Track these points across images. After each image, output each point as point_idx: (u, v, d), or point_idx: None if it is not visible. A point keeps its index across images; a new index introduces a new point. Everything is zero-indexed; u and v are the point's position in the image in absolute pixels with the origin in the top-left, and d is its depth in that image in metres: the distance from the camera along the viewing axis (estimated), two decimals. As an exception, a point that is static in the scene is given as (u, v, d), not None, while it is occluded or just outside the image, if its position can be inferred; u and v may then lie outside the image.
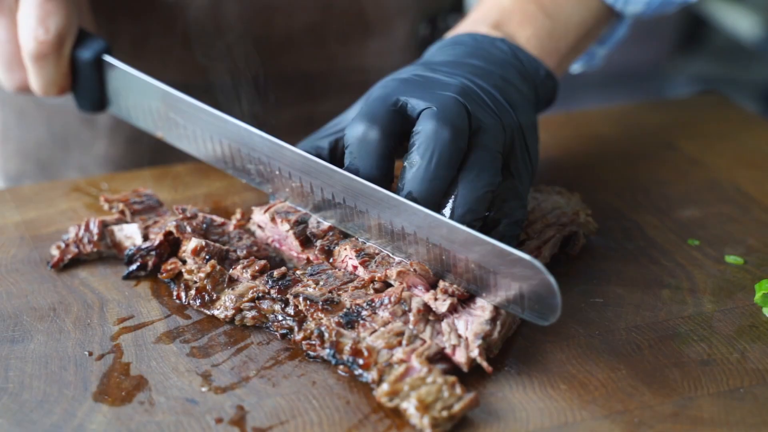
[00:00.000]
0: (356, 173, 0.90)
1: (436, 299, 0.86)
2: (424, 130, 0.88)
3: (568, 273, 0.99)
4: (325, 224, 0.95)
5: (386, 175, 0.91)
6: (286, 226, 0.95)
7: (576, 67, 1.26)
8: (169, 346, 0.87)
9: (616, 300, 0.94)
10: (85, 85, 1.09)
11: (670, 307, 0.93)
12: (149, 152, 1.31)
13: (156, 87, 1.04)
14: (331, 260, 0.93)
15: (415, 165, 0.88)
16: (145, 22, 1.27)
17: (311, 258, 0.95)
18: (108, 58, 1.08)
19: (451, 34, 1.07)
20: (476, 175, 0.88)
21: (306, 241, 0.95)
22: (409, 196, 0.88)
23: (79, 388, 0.82)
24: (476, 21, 1.07)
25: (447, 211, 0.88)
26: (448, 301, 0.85)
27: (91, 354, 0.86)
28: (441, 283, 0.87)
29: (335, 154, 0.98)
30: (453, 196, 0.88)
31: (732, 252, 1.02)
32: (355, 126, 0.90)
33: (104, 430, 0.77)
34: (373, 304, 0.86)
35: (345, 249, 0.92)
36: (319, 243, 0.93)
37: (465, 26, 1.07)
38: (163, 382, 0.83)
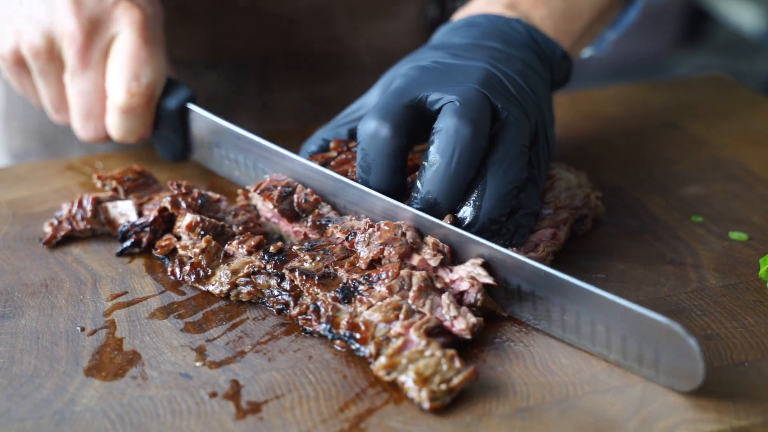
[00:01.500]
0: (368, 170, 0.89)
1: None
2: (445, 128, 0.85)
3: (572, 250, 0.97)
4: (311, 197, 0.93)
5: (397, 173, 0.89)
6: (270, 204, 0.93)
7: (585, 51, 1.25)
8: (163, 321, 0.86)
9: (618, 276, 0.92)
10: (168, 134, 1.06)
11: (673, 282, 0.91)
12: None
13: (242, 136, 1.00)
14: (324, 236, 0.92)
15: (435, 164, 0.86)
16: None
17: (307, 234, 0.93)
18: (192, 106, 1.05)
19: (462, 14, 1.04)
20: (505, 170, 0.86)
21: (295, 216, 0.93)
22: (428, 196, 0.86)
23: (71, 363, 0.80)
24: (489, 1, 1.04)
25: (469, 207, 0.86)
26: (440, 257, 0.83)
27: (83, 329, 0.85)
28: (429, 239, 0.85)
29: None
30: (476, 191, 0.86)
31: (736, 228, 1.01)
32: (367, 122, 0.88)
33: (95, 405, 0.76)
34: (371, 279, 0.85)
35: (336, 229, 0.90)
36: (310, 218, 0.92)
37: (477, 6, 1.04)
38: (156, 357, 0.81)
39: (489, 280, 0.83)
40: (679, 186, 1.10)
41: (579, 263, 0.94)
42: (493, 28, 0.99)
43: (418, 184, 0.87)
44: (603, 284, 0.91)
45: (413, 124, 0.88)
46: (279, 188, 0.93)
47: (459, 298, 0.85)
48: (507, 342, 0.83)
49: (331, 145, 0.99)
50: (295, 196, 0.93)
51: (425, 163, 0.87)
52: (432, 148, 0.86)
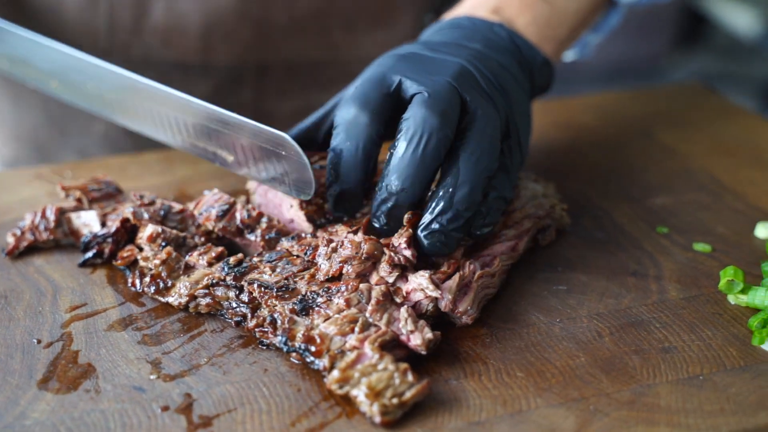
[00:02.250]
0: (340, 155, 0.89)
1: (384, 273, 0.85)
2: (413, 116, 0.87)
3: (534, 260, 0.97)
4: (254, 212, 0.94)
5: (371, 159, 0.90)
6: (211, 225, 0.94)
7: (568, 55, 1.25)
8: (120, 333, 0.86)
9: (580, 287, 0.92)
10: None
11: (634, 294, 0.91)
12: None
13: (25, 38, 1.03)
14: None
15: (402, 151, 0.86)
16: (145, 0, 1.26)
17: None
18: None
19: (449, 16, 1.05)
20: (476, 159, 0.87)
21: (240, 232, 0.94)
22: (394, 182, 0.87)
23: (24, 376, 0.80)
24: (475, 5, 1.05)
25: (445, 193, 0.86)
26: (396, 273, 0.83)
27: (39, 342, 0.84)
28: (385, 256, 0.85)
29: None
30: (448, 179, 0.86)
31: (701, 240, 1.00)
32: (346, 107, 0.89)
33: (46, 418, 0.75)
34: (330, 291, 0.85)
35: (293, 248, 0.90)
36: (258, 233, 0.92)
37: (463, 9, 1.06)
38: (111, 369, 0.81)
39: (436, 294, 0.83)
40: (647, 196, 1.10)
41: (540, 274, 0.94)
42: (476, 31, 0.99)
43: (385, 171, 0.88)
44: (564, 295, 0.91)
45: (390, 111, 0.90)
46: (216, 207, 0.94)
47: (417, 308, 0.85)
48: (464, 354, 0.83)
49: None
50: (237, 214, 0.93)
51: (392, 151, 0.87)
52: (400, 136, 0.87)
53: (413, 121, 0.87)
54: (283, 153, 0.89)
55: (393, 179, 0.87)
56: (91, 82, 1.01)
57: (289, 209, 0.95)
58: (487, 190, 0.89)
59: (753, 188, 1.11)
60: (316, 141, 0.96)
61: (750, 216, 1.05)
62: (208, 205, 0.96)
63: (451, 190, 0.87)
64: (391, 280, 0.84)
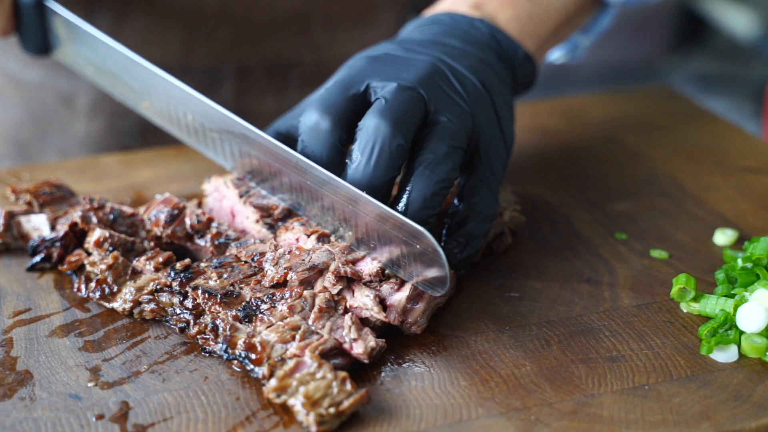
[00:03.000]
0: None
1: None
2: (366, 125, 0.86)
3: (488, 267, 0.96)
4: (204, 217, 0.93)
5: (334, 165, 0.89)
6: (159, 230, 0.94)
7: (558, 57, 1.24)
8: (62, 339, 0.84)
9: (532, 295, 0.91)
10: (28, 29, 1.10)
11: (586, 302, 0.90)
12: (129, 133, 1.30)
13: (94, 37, 1.04)
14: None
15: (356, 161, 0.86)
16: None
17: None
18: (50, 3, 1.09)
19: (429, 13, 1.04)
20: (431, 169, 0.85)
21: (190, 238, 0.94)
22: None
23: (-40, 383, 0.79)
24: (456, 0, 1.04)
25: (401, 205, 0.86)
26: (339, 286, 0.82)
27: (-21, 347, 0.83)
28: (332, 266, 0.84)
29: None
30: (406, 193, 0.86)
31: (659, 246, 0.99)
32: (308, 113, 0.88)
33: (-22, 427, 0.74)
34: (274, 298, 0.84)
35: (241, 253, 0.89)
36: (208, 239, 0.91)
37: (445, 5, 1.04)
38: (48, 377, 0.80)
39: (381, 317, 0.81)
40: (608, 201, 1.09)
41: (494, 281, 0.93)
42: (455, 27, 0.98)
43: (343, 175, 0.87)
44: (516, 303, 0.90)
45: (354, 116, 0.88)
46: (165, 212, 0.93)
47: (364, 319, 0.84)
48: (408, 363, 0.82)
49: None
50: (187, 219, 0.92)
51: (348, 161, 0.87)
52: (354, 146, 0.87)
53: (366, 131, 0.86)
54: (418, 247, 0.82)
55: None
56: (192, 114, 0.99)
57: (244, 220, 0.94)
58: (467, 214, 0.89)
59: (714, 194, 1.10)
60: (290, 144, 0.94)
61: (710, 222, 1.04)
62: (157, 210, 0.94)
63: (404, 206, 0.86)
64: (334, 291, 0.83)
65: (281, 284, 0.85)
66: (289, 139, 0.92)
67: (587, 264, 0.96)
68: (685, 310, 0.89)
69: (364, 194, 0.84)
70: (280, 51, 1.30)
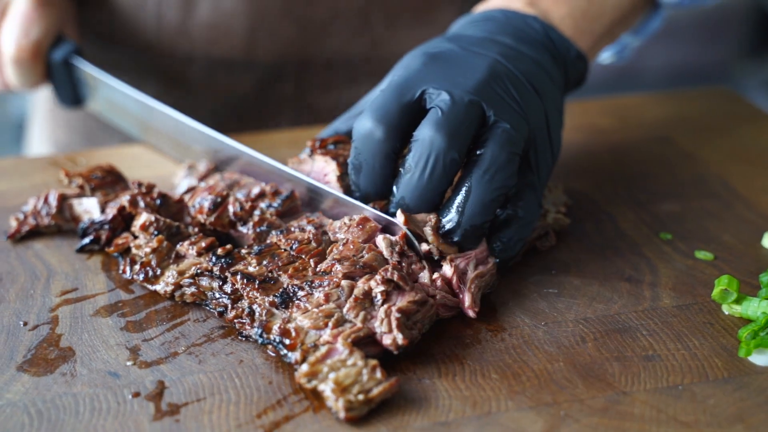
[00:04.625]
0: (359, 169, 0.90)
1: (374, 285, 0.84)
2: (422, 138, 0.86)
3: (528, 263, 0.95)
4: (247, 204, 0.94)
5: (388, 175, 0.90)
6: (202, 217, 0.96)
7: (606, 57, 1.23)
8: (105, 319, 0.87)
9: (570, 291, 0.91)
10: (60, 82, 1.20)
11: (626, 300, 0.89)
12: None
13: (115, 89, 1.13)
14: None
15: (409, 172, 0.87)
16: None
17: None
18: (76, 60, 1.18)
19: (482, 7, 1.04)
20: (491, 177, 0.86)
21: (233, 225, 0.95)
22: (402, 201, 0.87)
23: (5, 357, 0.81)
24: None
25: (454, 210, 0.86)
26: (383, 287, 0.83)
27: (25, 324, 0.86)
28: (381, 271, 0.84)
29: None
30: (460, 197, 0.86)
31: (704, 247, 0.98)
32: (362, 121, 0.89)
33: (19, 399, 0.77)
34: (312, 285, 0.84)
35: (281, 241, 0.91)
36: (250, 226, 0.93)
37: (497, 0, 1.04)
38: (90, 354, 0.82)
39: (390, 347, 0.81)
40: (654, 202, 1.08)
41: (533, 277, 0.93)
42: (508, 24, 0.98)
43: (394, 188, 0.88)
44: (554, 299, 0.90)
45: (408, 123, 0.89)
46: (209, 200, 0.94)
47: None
48: (442, 354, 0.82)
49: (308, 143, 0.99)
50: (230, 207, 0.94)
51: (401, 170, 0.88)
52: (408, 156, 0.87)
53: (421, 143, 0.86)
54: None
55: (399, 197, 0.88)
56: (196, 145, 1.07)
57: (323, 178, 0.96)
58: (512, 217, 0.89)
59: (766, 197, 1.08)
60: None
61: (759, 225, 1.02)
62: (201, 197, 0.96)
63: (461, 210, 0.86)
64: (377, 290, 0.83)
65: (327, 272, 0.86)
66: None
67: (629, 263, 0.95)
68: (726, 312, 0.88)
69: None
70: (340, 47, 1.32)
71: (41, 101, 1.48)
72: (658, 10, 1.17)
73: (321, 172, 0.96)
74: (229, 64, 1.32)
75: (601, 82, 2.83)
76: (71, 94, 1.21)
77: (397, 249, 0.87)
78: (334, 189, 0.94)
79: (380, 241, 0.88)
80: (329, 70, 1.33)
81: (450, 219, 0.87)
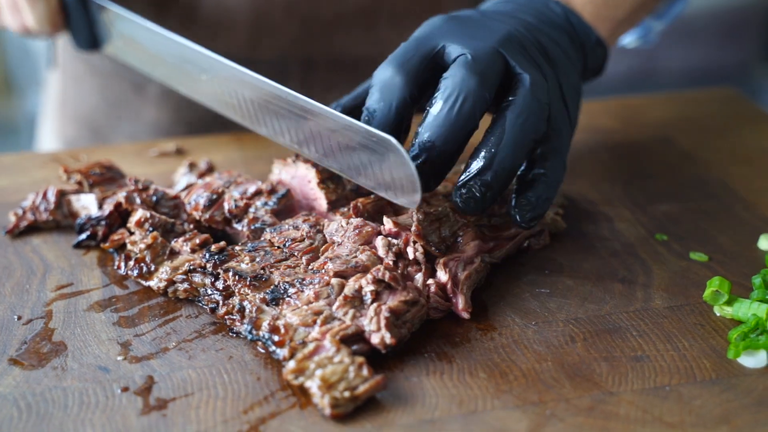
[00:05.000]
0: (373, 114, 0.89)
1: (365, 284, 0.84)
2: (452, 76, 0.87)
3: (522, 262, 0.96)
4: (242, 202, 0.95)
5: (402, 122, 0.90)
6: (198, 214, 0.96)
7: (630, 41, 1.23)
8: (98, 314, 0.87)
9: (563, 291, 0.91)
10: (76, 23, 1.16)
11: (617, 300, 0.89)
12: (197, 120, 1.33)
13: (136, 23, 1.09)
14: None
15: (436, 110, 0.86)
16: None
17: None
18: None
19: None
20: (525, 118, 0.86)
21: (228, 222, 0.96)
22: (427, 140, 0.86)
23: (-2, 351, 0.82)
24: None
25: (486, 152, 0.86)
26: (373, 286, 0.83)
27: (20, 318, 0.87)
28: (372, 271, 0.85)
29: None
30: (492, 138, 0.86)
31: (700, 249, 0.98)
32: (383, 68, 0.90)
33: (9, 392, 0.77)
34: (303, 283, 0.85)
35: (274, 239, 0.91)
36: (245, 223, 0.94)
37: None
38: (81, 349, 0.83)
39: (378, 346, 0.81)
40: (652, 202, 1.07)
41: (526, 276, 0.93)
42: (529, 5, 0.99)
43: (420, 128, 0.87)
44: (545, 299, 0.90)
45: (428, 74, 0.90)
46: (204, 197, 0.95)
47: None
48: (430, 353, 0.82)
49: None
50: (225, 204, 0.94)
51: (429, 109, 0.87)
52: (437, 95, 0.87)
53: (451, 80, 0.86)
54: (389, 158, 0.85)
55: (425, 135, 0.86)
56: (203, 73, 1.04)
57: (306, 184, 0.96)
58: (538, 176, 0.89)
59: (765, 198, 1.07)
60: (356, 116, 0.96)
61: (757, 227, 1.02)
62: (197, 194, 0.97)
63: (493, 150, 0.85)
64: (368, 289, 0.83)
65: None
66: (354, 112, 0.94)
67: (623, 263, 0.95)
68: (718, 314, 0.87)
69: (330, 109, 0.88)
70: (345, 46, 1.32)
71: (52, 97, 1.49)
72: None
73: (304, 178, 0.96)
74: (231, 60, 1.32)
75: (617, 82, 2.82)
76: (88, 36, 1.17)
77: (393, 250, 0.87)
78: (318, 191, 0.95)
79: (378, 241, 0.88)
80: (334, 69, 1.34)
81: (482, 158, 0.86)
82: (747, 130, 1.26)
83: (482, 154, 0.86)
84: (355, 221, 0.90)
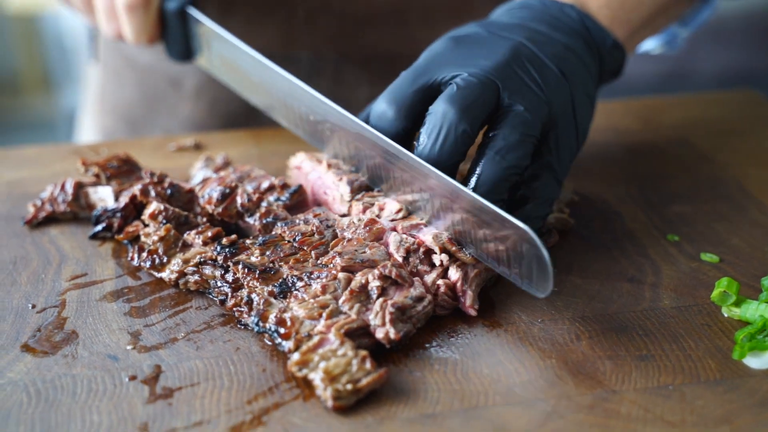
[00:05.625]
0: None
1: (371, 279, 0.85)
2: (435, 110, 0.89)
3: (532, 260, 0.96)
4: (254, 196, 0.95)
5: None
6: (211, 208, 0.97)
7: (655, 47, 1.23)
8: (110, 304, 0.89)
9: (571, 290, 0.91)
10: (172, 35, 1.16)
11: (625, 300, 0.89)
12: (231, 116, 1.35)
13: (230, 43, 1.08)
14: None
15: (422, 144, 0.89)
16: None
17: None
18: (191, 10, 1.14)
19: None
20: (502, 155, 0.87)
21: (240, 216, 0.97)
22: None
23: (11, 338, 0.84)
24: None
25: (470, 187, 0.88)
26: (378, 282, 0.84)
27: (33, 307, 0.88)
28: (379, 267, 0.85)
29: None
30: (475, 175, 0.88)
31: (711, 250, 0.97)
32: (378, 102, 0.93)
33: (20, 379, 0.79)
34: (311, 276, 0.86)
35: (285, 233, 0.92)
36: (257, 217, 0.95)
37: None
38: (92, 338, 0.84)
39: (383, 341, 0.81)
40: (666, 203, 1.07)
41: (535, 275, 0.93)
42: (545, 12, 0.99)
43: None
44: (553, 297, 0.90)
45: (422, 105, 0.91)
46: (217, 191, 0.96)
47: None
48: (435, 348, 0.83)
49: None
50: (238, 198, 0.96)
51: (415, 143, 0.90)
52: (422, 129, 0.89)
53: (434, 115, 0.89)
54: (525, 248, 0.82)
55: None
56: (307, 110, 1.01)
57: (328, 189, 0.97)
58: (528, 195, 0.90)
59: (780, 201, 1.07)
60: None
61: (770, 229, 1.01)
62: (210, 188, 0.98)
63: (473, 185, 0.88)
64: (374, 284, 0.84)
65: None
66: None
67: (633, 263, 0.95)
68: (726, 315, 0.87)
69: (469, 191, 0.85)
70: (377, 43, 1.33)
71: (92, 89, 1.51)
72: (708, 1, 1.15)
73: (323, 179, 0.97)
74: (267, 58, 1.33)
75: (647, 85, 2.80)
76: (183, 48, 1.17)
77: (405, 246, 0.88)
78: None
79: (392, 236, 0.89)
80: (365, 65, 1.35)
81: None
82: (765, 132, 1.25)
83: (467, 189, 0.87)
84: (366, 218, 0.91)
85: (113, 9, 1.15)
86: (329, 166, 0.98)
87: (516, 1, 1.03)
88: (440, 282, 0.86)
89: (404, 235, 0.89)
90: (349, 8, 1.30)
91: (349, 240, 0.90)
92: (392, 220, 0.91)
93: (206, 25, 1.12)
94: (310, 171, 0.99)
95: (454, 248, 0.87)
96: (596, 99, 1.00)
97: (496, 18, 1.01)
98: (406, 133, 0.91)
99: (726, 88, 3.14)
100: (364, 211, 0.93)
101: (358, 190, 0.95)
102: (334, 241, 0.91)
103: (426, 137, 0.88)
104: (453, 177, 0.89)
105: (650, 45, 1.22)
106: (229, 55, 1.10)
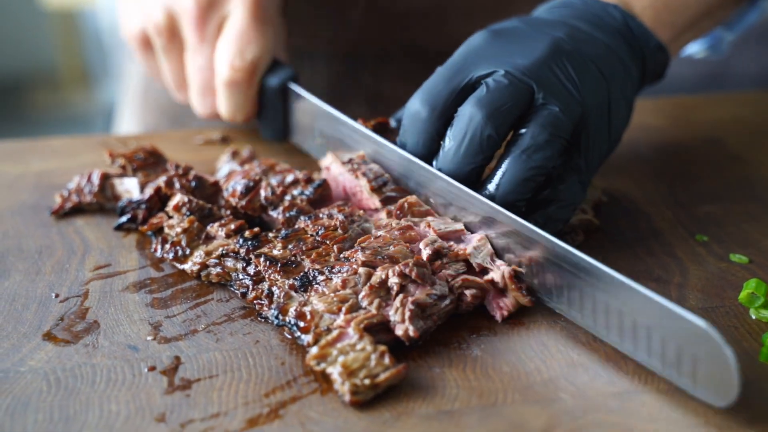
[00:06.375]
0: (404, 147, 0.92)
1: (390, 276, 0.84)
2: (462, 113, 0.88)
3: (556, 259, 0.94)
4: (278, 189, 0.96)
5: (427, 152, 0.92)
6: (234, 201, 0.97)
7: (699, 51, 1.21)
8: (132, 295, 0.89)
9: (595, 289, 0.89)
10: (271, 113, 1.11)
11: (650, 300, 0.88)
12: None
13: (336, 118, 1.01)
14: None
15: (447, 146, 0.89)
16: None
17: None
18: (294, 86, 1.08)
19: None
20: (528, 155, 0.87)
21: (264, 210, 0.97)
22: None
23: (33, 327, 0.84)
24: None
25: (492, 185, 0.87)
26: (398, 279, 0.83)
27: (57, 296, 0.89)
28: (400, 264, 0.84)
29: None
30: (500, 173, 0.87)
31: (741, 251, 0.96)
32: (412, 101, 0.92)
33: (41, 367, 0.79)
34: (332, 270, 0.85)
35: (308, 227, 0.92)
36: (280, 211, 0.95)
37: None
38: (113, 328, 0.84)
39: (402, 338, 0.80)
40: (696, 203, 1.06)
41: (559, 273, 0.92)
42: (587, 11, 0.98)
43: (434, 163, 0.90)
44: (577, 296, 0.88)
45: (457, 105, 0.90)
46: (241, 184, 0.96)
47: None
48: (456, 345, 0.82)
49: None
50: (262, 191, 0.95)
51: (442, 143, 0.90)
52: (449, 131, 0.89)
53: (461, 118, 0.88)
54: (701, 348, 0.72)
55: (438, 170, 0.90)
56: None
57: (357, 191, 0.96)
58: (550, 197, 0.89)
59: (813, 202, 1.05)
60: None
61: (802, 231, 0.99)
62: (234, 181, 0.98)
63: (497, 184, 0.87)
64: (393, 281, 0.83)
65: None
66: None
67: (659, 263, 0.94)
68: (753, 317, 0.86)
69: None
70: (417, 39, 1.33)
71: (133, 84, 1.51)
72: (756, 4, 1.14)
73: (354, 181, 0.96)
74: (310, 54, 1.34)
75: (684, 84, 2.77)
76: (279, 127, 1.10)
77: (435, 246, 0.87)
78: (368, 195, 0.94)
79: (428, 234, 0.88)
80: (406, 61, 1.35)
81: (487, 190, 0.88)
82: (800, 133, 1.23)
83: (488, 185, 0.87)
84: (404, 223, 0.90)
85: (209, 85, 1.10)
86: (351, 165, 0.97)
87: (558, 0, 1.01)
88: (467, 293, 0.85)
89: (440, 240, 0.88)
90: (392, 5, 1.30)
91: (377, 237, 0.89)
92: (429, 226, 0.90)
93: (310, 100, 1.05)
94: (341, 172, 0.98)
95: (514, 286, 0.85)
96: (635, 102, 0.98)
97: (537, 14, 1.00)
98: (438, 133, 0.91)
99: (762, 88, 3.10)
100: (393, 213, 0.91)
101: (382, 185, 0.94)
102: (361, 238, 0.90)
103: (451, 140, 0.88)
104: (479, 179, 0.88)
105: (694, 48, 1.20)
106: (332, 132, 1.02)
